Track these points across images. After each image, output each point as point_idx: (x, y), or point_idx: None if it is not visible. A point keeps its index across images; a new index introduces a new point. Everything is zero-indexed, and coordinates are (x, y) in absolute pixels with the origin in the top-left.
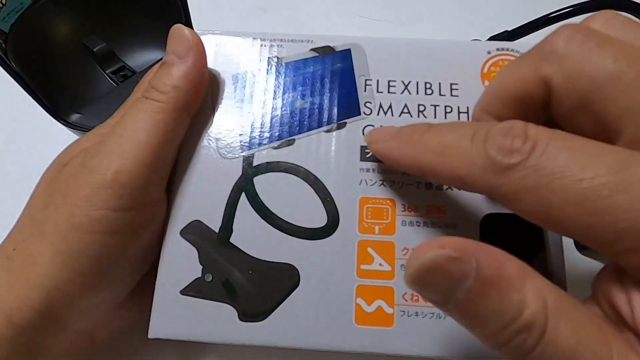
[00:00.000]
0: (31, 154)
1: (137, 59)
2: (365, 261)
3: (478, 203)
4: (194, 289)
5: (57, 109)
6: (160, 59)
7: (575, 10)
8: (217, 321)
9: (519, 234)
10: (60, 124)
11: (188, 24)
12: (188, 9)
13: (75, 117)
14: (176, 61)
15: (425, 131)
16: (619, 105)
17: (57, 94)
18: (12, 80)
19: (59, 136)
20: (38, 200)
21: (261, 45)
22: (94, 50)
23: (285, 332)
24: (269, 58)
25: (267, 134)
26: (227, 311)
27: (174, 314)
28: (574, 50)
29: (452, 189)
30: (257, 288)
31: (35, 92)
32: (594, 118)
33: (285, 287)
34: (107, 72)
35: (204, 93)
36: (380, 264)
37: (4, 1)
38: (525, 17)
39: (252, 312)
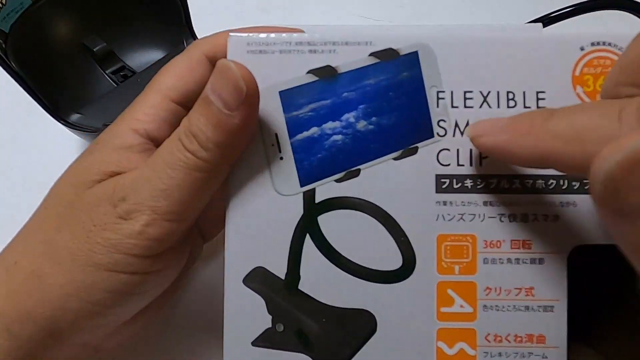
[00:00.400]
0: (31, 154)
1: (137, 59)
2: (445, 304)
3: (566, 235)
4: (266, 340)
5: (57, 109)
6: (162, 59)
7: (576, 10)
8: None
9: (611, 266)
10: (60, 124)
11: (188, 24)
12: (188, 9)
13: (75, 117)
14: (223, 112)
15: (549, 117)
16: None
17: (57, 94)
18: (12, 80)
19: (59, 136)
20: (52, 219)
21: (310, 51)
22: (94, 50)
23: None
24: (320, 68)
25: (327, 164)
26: None
27: None
28: None
29: (538, 221)
30: (332, 336)
31: (35, 92)
32: None
33: (363, 333)
34: (107, 72)
35: (249, 140)
36: (462, 306)
37: (4, 1)
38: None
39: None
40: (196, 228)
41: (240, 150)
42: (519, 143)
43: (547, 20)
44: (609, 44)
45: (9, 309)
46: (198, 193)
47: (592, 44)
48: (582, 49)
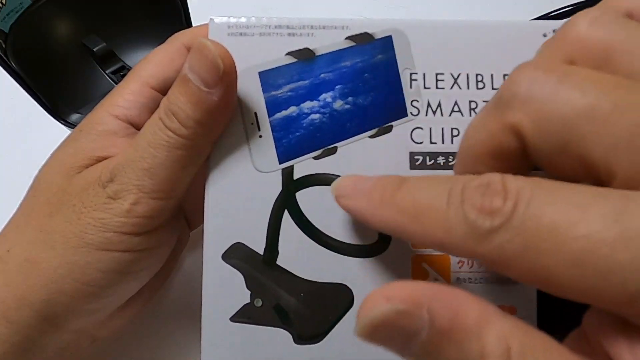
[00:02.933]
0: (31, 154)
1: (137, 59)
2: (420, 276)
3: None
4: (244, 316)
5: (57, 109)
6: None
7: (574, 10)
8: (273, 346)
9: None
10: (60, 124)
11: (188, 24)
12: (188, 9)
13: (75, 117)
14: (202, 90)
15: (397, 188)
16: (601, 143)
17: (57, 94)
18: (12, 80)
19: (59, 136)
20: (42, 205)
21: (289, 35)
22: (94, 50)
23: (344, 351)
24: (299, 50)
25: (305, 142)
26: (282, 335)
27: (227, 341)
28: (536, 91)
29: None
30: (310, 310)
31: (35, 92)
32: (579, 160)
33: (340, 307)
34: (107, 72)
35: (229, 120)
36: (436, 279)
37: (4, 1)
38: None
39: (308, 334)
40: (182, 214)
41: (221, 128)
42: (372, 212)
43: (546, 20)
44: None
45: (5, 296)
46: (181, 170)
47: (554, 31)
48: (544, 35)
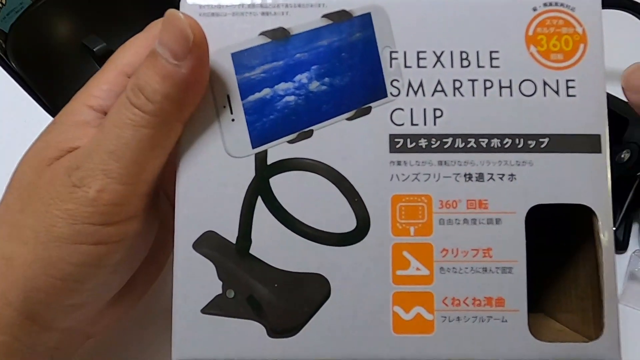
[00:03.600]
0: None
1: None
2: (401, 266)
3: (523, 194)
4: (216, 307)
5: (57, 109)
6: None
7: None
8: (245, 339)
9: (567, 226)
10: None
11: None
12: None
13: None
14: (171, 62)
15: None
16: None
17: (57, 94)
18: (12, 80)
19: None
20: (14, 201)
21: (263, 14)
22: (94, 50)
23: (320, 346)
24: (273, 30)
25: (280, 126)
26: (255, 328)
27: (198, 334)
28: None
29: (494, 180)
30: (285, 302)
31: (35, 92)
32: None
33: (316, 299)
34: None
35: (202, 98)
36: (418, 269)
37: (4, 1)
38: None
39: (282, 327)
40: (168, 203)
41: (192, 106)
42: None
43: None
44: (562, 4)
45: None
46: (150, 152)
47: (545, 5)
48: (534, 9)
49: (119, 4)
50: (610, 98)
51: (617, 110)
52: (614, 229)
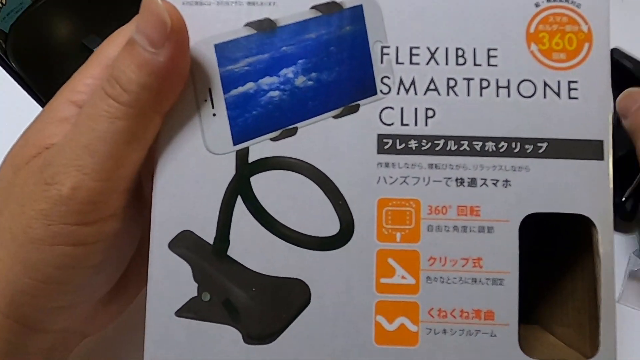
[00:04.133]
0: None
1: None
2: (385, 274)
3: (517, 201)
4: (190, 310)
5: None
6: None
7: None
8: (220, 345)
9: (565, 234)
10: None
11: None
12: None
13: None
14: (147, 50)
15: None
16: None
17: None
18: (12, 80)
19: None
20: None
21: (249, 4)
22: (94, 50)
23: (297, 355)
24: (259, 21)
25: (263, 122)
26: (230, 334)
27: (170, 337)
28: None
29: (487, 186)
30: (262, 307)
31: (35, 92)
32: None
33: (295, 305)
34: None
35: (182, 88)
36: (403, 277)
37: (4, 1)
38: None
39: (259, 334)
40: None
41: (170, 98)
42: None
43: None
44: (567, 0)
45: None
46: (126, 146)
47: (548, 0)
48: (537, 5)
49: (119, 4)
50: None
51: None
52: (624, 199)
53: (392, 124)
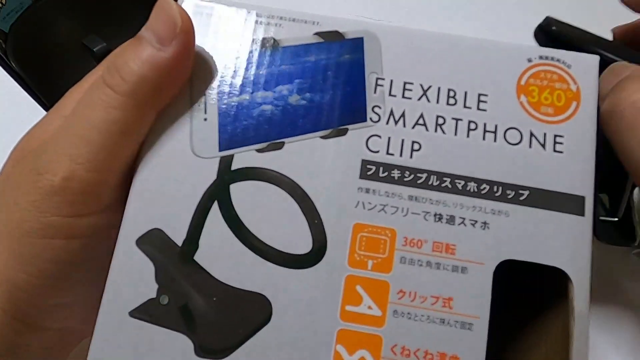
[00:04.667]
0: None
1: None
2: (351, 301)
3: (494, 245)
4: (145, 312)
5: None
6: None
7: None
8: (170, 353)
9: (540, 286)
10: None
11: None
12: None
13: None
14: (154, 45)
15: None
16: None
17: (57, 94)
18: (12, 80)
19: None
20: None
21: (256, 22)
22: (94, 50)
23: None
24: (263, 39)
25: (251, 133)
26: (182, 343)
27: (120, 338)
28: None
29: (465, 225)
30: (220, 319)
31: (35, 92)
32: None
33: (254, 321)
34: None
35: (180, 87)
36: (370, 307)
37: (4, 1)
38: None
39: (212, 347)
40: None
41: (168, 97)
42: None
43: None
44: (557, 60)
45: None
46: (121, 137)
47: (541, 57)
48: (529, 60)
49: (119, 4)
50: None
51: None
52: (617, 219)
53: (378, 151)
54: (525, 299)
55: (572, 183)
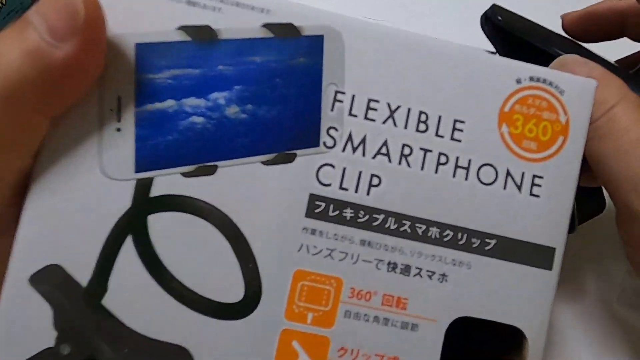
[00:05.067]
0: None
1: None
2: (286, 356)
3: (451, 300)
4: None
5: None
6: None
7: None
8: None
9: (493, 339)
10: None
11: None
12: None
13: None
14: (43, 39)
15: None
16: None
17: None
18: None
19: None
20: None
21: (189, 3)
22: None
23: None
24: (197, 27)
25: (177, 151)
26: None
27: None
28: None
29: (422, 277)
30: None
31: None
32: None
33: None
34: None
35: (84, 91)
36: None
37: (4, 1)
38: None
39: None
40: None
41: (66, 102)
42: None
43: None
44: (550, 83)
45: None
46: (1, 148)
47: (531, 79)
48: (518, 81)
49: None
50: None
51: None
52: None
53: (330, 185)
54: (478, 353)
55: (545, 232)
